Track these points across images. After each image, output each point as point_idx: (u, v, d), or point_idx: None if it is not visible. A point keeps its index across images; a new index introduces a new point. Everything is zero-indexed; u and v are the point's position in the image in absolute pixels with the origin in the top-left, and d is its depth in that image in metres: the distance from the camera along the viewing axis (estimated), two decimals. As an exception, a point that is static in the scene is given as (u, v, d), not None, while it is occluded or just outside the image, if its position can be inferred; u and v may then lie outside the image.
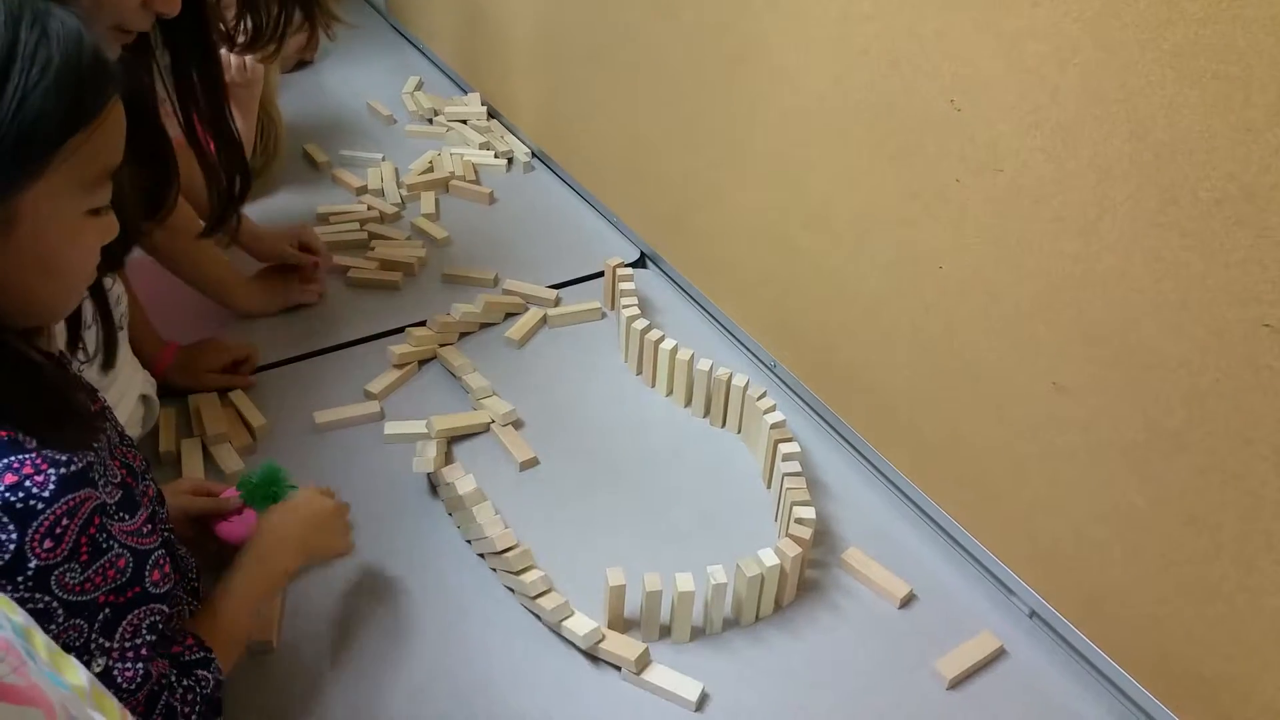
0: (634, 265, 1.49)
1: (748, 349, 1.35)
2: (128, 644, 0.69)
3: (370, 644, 0.96)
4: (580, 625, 0.96)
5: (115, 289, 1.03)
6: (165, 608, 0.71)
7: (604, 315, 1.42)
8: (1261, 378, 0.74)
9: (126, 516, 0.68)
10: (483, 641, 0.97)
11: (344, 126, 1.89)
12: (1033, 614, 1.01)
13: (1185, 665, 0.87)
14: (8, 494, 0.60)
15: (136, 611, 0.69)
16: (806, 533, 1.01)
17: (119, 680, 0.68)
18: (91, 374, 0.82)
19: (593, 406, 1.27)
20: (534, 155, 1.79)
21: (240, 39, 1.07)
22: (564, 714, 0.92)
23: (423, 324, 1.36)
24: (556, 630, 0.97)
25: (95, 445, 0.67)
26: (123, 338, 1.07)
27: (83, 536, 0.63)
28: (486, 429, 1.21)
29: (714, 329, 1.39)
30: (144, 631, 0.70)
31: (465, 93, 2.00)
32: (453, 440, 1.20)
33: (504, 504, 1.10)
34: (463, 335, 1.36)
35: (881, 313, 1.09)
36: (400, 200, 1.65)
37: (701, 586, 0.97)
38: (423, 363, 1.31)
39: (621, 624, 0.98)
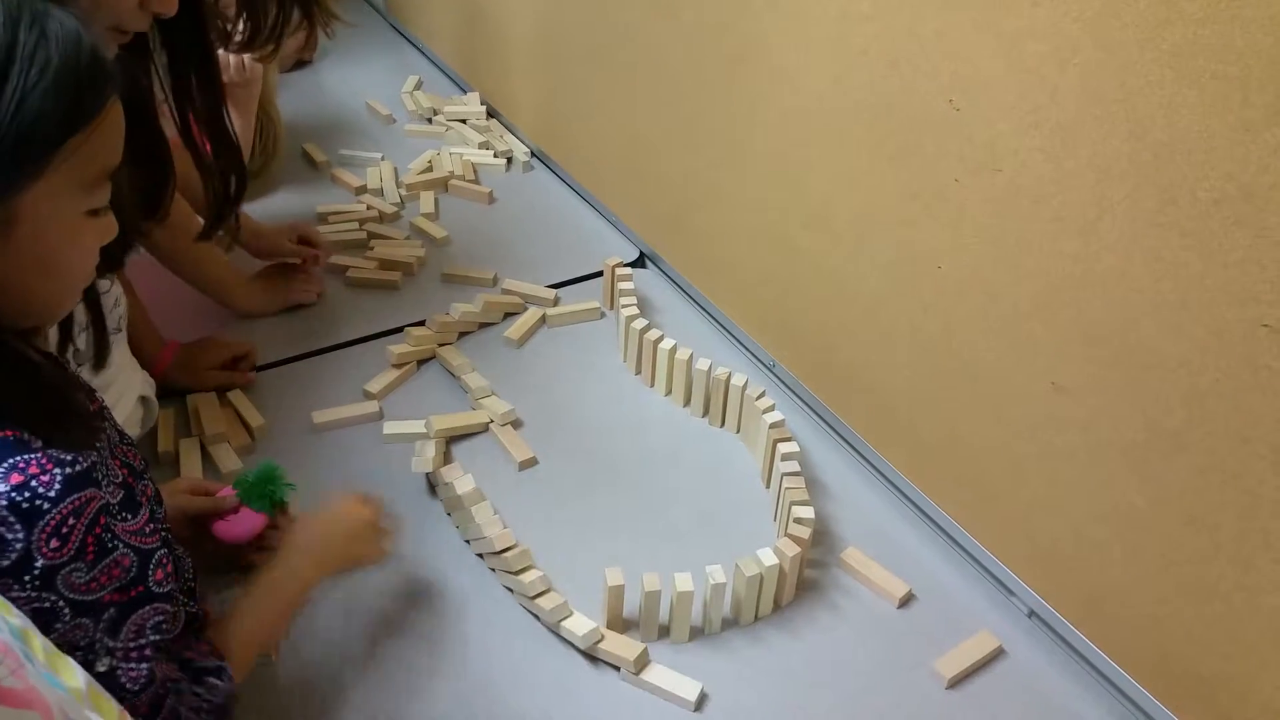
0: (633, 265, 1.49)
1: (747, 349, 1.35)
2: (132, 644, 0.69)
3: (369, 644, 0.96)
4: (579, 625, 0.96)
5: (114, 291, 1.03)
6: (169, 607, 0.71)
7: (603, 315, 1.42)
8: (1260, 378, 0.74)
9: (129, 516, 0.68)
10: (482, 641, 0.97)
11: (343, 126, 1.89)
12: (1032, 614, 1.01)
13: (1184, 664, 0.87)
14: (14, 494, 0.60)
15: (141, 611, 0.69)
16: (805, 532, 1.01)
17: (123, 681, 0.68)
18: (88, 374, 0.82)
19: (592, 406, 1.27)
20: (533, 155, 1.79)
21: (238, 38, 1.07)
22: (563, 714, 0.92)
23: (422, 324, 1.36)
24: (555, 630, 0.98)
25: (97, 445, 0.67)
26: (121, 339, 1.07)
27: (89, 536, 0.64)
28: (485, 429, 1.21)
29: (713, 329, 1.39)
30: (149, 632, 0.70)
31: (464, 92, 1.99)
32: (451, 440, 1.20)
33: (503, 504, 1.10)
34: (462, 335, 1.36)
35: (881, 312, 1.09)
36: (399, 200, 1.65)
37: (700, 586, 0.97)
38: (421, 362, 1.31)
39: (620, 624, 0.98)
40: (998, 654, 0.98)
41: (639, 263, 1.53)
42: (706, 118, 1.28)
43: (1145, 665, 0.91)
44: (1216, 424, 0.78)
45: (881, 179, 1.02)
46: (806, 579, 1.05)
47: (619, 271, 1.39)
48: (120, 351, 1.07)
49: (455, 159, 1.76)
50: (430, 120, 1.90)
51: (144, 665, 0.69)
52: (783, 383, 1.29)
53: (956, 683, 0.95)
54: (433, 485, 1.13)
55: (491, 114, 1.92)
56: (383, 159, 1.76)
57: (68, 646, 0.64)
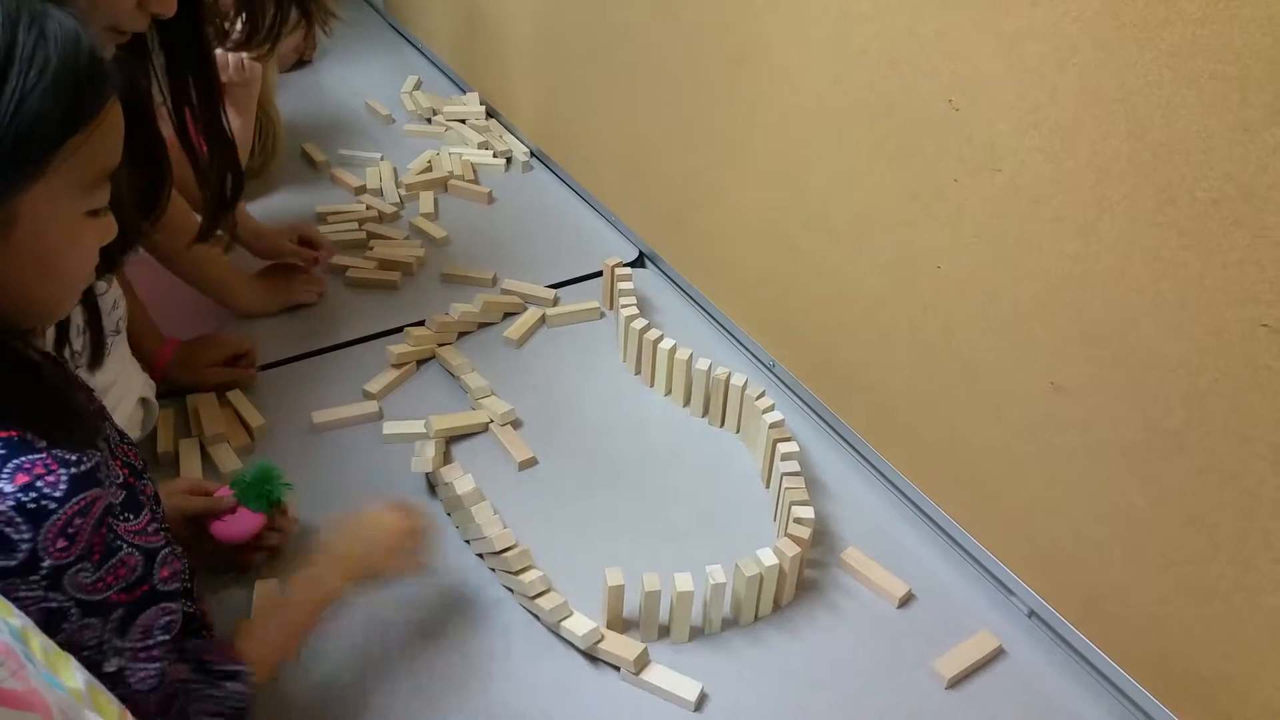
0: (633, 265, 1.49)
1: (746, 348, 1.35)
2: (140, 645, 0.69)
3: (368, 644, 0.96)
4: (579, 625, 0.96)
5: (112, 293, 1.03)
6: (177, 606, 0.71)
7: (603, 315, 1.42)
8: (1260, 377, 0.74)
9: (131, 516, 0.68)
10: (481, 641, 0.97)
11: (342, 126, 1.89)
12: (1031, 614, 1.01)
13: (1184, 664, 0.87)
14: (20, 494, 0.60)
15: (149, 612, 0.69)
16: (805, 532, 1.01)
17: (132, 681, 0.68)
18: (85, 375, 0.82)
19: (591, 406, 1.27)
20: (533, 155, 1.79)
21: (235, 36, 1.07)
22: (563, 714, 0.92)
23: (421, 324, 1.36)
24: (555, 630, 0.98)
25: (99, 445, 0.68)
26: (121, 341, 1.07)
27: (95, 536, 0.64)
28: (485, 429, 1.21)
29: (713, 328, 1.39)
30: (157, 632, 0.70)
31: (464, 92, 1.99)
32: (451, 440, 1.20)
33: (503, 504, 1.10)
34: (461, 335, 1.36)
35: (880, 313, 1.09)
36: (399, 200, 1.65)
37: (700, 586, 0.97)
38: (421, 362, 1.31)
39: (620, 624, 0.98)
40: (997, 654, 0.98)
41: (638, 263, 1.53)
42: (706, 118, 1.28)
43: (1145, 665, 0.91)
44: (1216, 424, 0.78)
45: (881, 179, 1.02)
46: (806, 579, 1.05)
47: (618, 271, 1.39)
48: (120, 353, 1.07)
49: (455, 159, 1.76)
50: (430, 120, 1.90)
51: (153, 665, 0.69)
52: (782, 383, 1.29)
53: (956, 683, 0.95)
54: (432, 485, 1.13)
55: (491, 114, 1.92)
56: (382, 159, 1.76)
57: (75, 647, 0.65)
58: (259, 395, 1.23)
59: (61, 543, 0.62)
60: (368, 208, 1.62)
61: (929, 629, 1.00)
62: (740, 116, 1.21)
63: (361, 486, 1.12)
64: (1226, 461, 0.78)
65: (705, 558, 1.00)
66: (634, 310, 1.31)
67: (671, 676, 0.94)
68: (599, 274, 1.45)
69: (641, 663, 0.95)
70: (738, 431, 1.23)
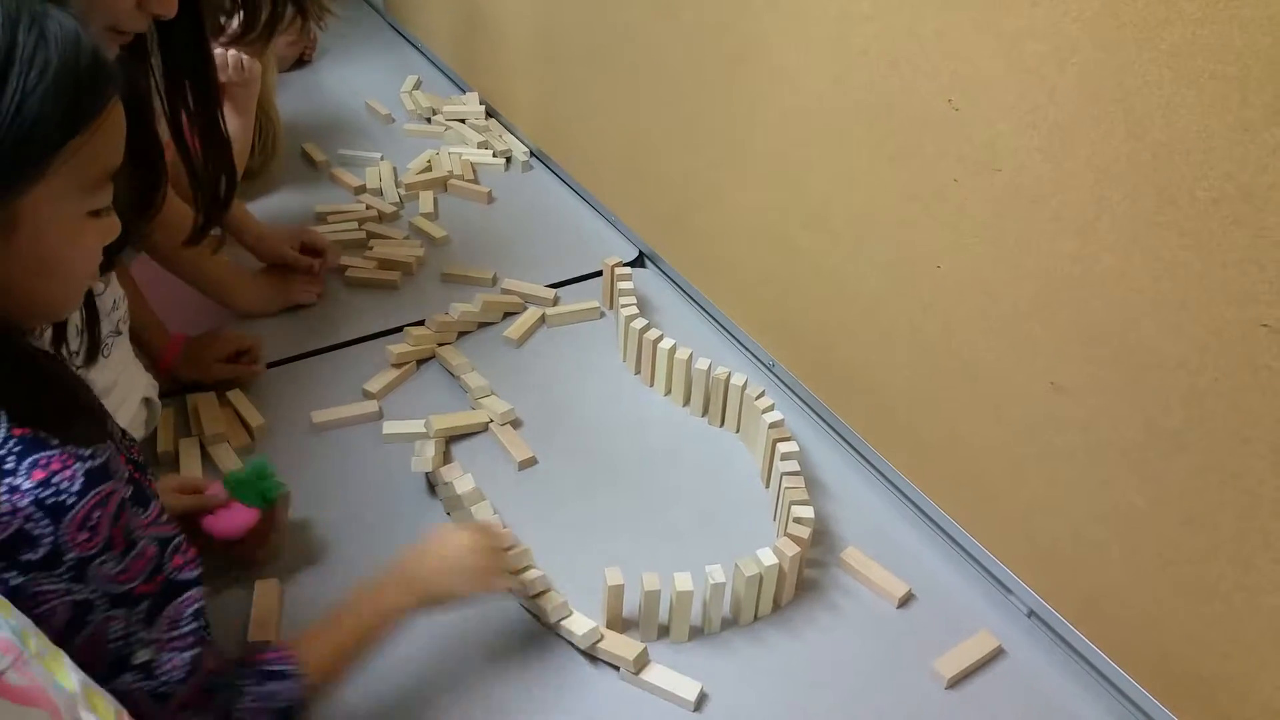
0: (632, 265, 1.49)
1: (746, 348, 1.35)
2: (168, 635, 0.69)
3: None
4: (579, 625, 0.96)
5: (112, 292, 1.03)
6: (201, 593, 0.72)
7: (602, 315, 1.42)
8: (1260, 377, 0.74)
9: (141, 510, 0.69)
10: (481, 641, 0.97)
11: (342, 125, 1.89)
12: (1031, 613, 1.01)
13: (1183, 664, 0.87)
14: (39, 490, 0.61)
15: (175, 603, 0.70)
16: (805, 532, 1.01)
17: (160, 673, 0.69)
18: (86, 376, 0.82)
19: (591, 406, 1.27)
20: (532, 154, 1.79)
21: (231, 31, 1.07)
22: (562, 714, 0.92)
23: (421, 323, 1.36)
24: (555, 630, 0.98)
25: (107, 440, 0.68)
26: (123, 341, 1.07)
27: (116, 527, 0.64)
28: (485, 428, 1.21)
29: (713, 328, 1.39)
30: (186, 621, 0.70)
31: (463, 92, 1.99)
32: (451, 440, 1.20)
33: (502, 503, 1.10)
34: (461, 334, 1.36)
35: (880, 312, 1.09)
36: (399, 199, 1.65)
37: (700, 586, 0.97)
38: (421, 362, 1.31)
39: (620, 624, 0.98)
40: (997, 654, 0.98)
41: (638, 262, 1.53)
42: (706, 117, 1.28)
43: (1144, 665, 0.91)
44: (1216, 424, 0.78)
45: (881, 179, 1.02)
46: (806, 579, 1.05)
47: (618, 271, 1.39)
48: (123, 353, 1.07)
49: (454, 159, 1.76)
50: (429, 120, 1.90)
51: (185, 655, 0.70)
52: (782, 382, 1.29)
53: (956, 682, 0.95)
54: (432, 485, 1.13)
55: (490, 113, 1.92)
56: (382, 159, 1.76)
57: (102, 639, 0.65)
58: (259, 395, 1.23)
59: (83, 535, 0.62)
60: (367, 207, 1.62)
61: (929, 629, 1.00)
62: (740, 116, 1.21)
63: (361, 486, 1.12)
64: (1226, 461, 0.78)
65: (705, 557, 1.00)
66: (634, 310, 1.31)
67: (671, 676, 0.94)
68: (599, 274, 1.45)
69: (641, 662, 0.95)
70: (737, 431, 1.23)
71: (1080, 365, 0.88)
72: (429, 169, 1.73)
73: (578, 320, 1.41)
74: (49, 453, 0.61)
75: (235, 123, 1.45)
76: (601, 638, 0.96)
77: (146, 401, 1.11)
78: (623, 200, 1.58)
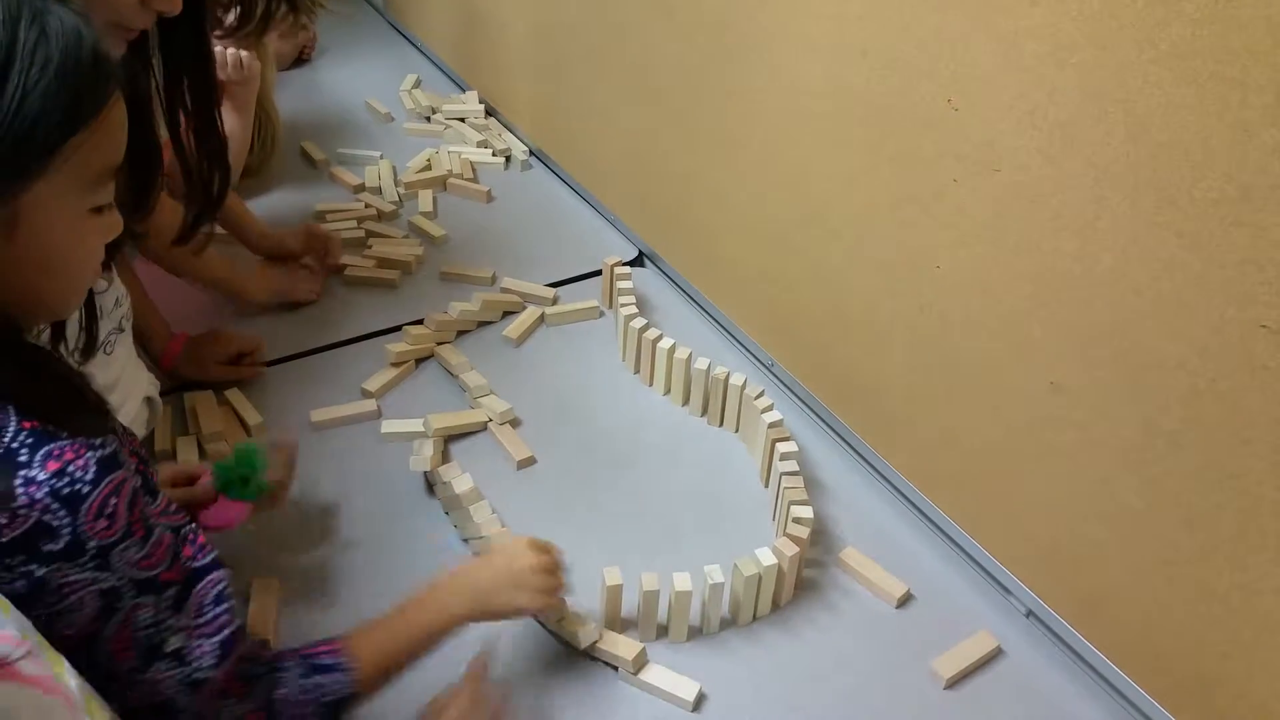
0: (632, 264, 1.49)
1: (745, 348, 1.35)
2: (196, 621, 0.69)
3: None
4: (578, 625, 0.96)
5: (114, 290, 1.03)
6: (222, 574, 0.72)
7: (602, 314, 1.42)
8: (1259, 378, 0.74)
9: (150, 500, 0.69)
10: (480, 641, 0.97)
11: (342, 124, 1.88)
12: (1029, 613, 1.01)
13: (1181, 664, 0.87)
14: (54, 481, 0.61)
15: (198, 588, 0.70)
16: (804, 532, 1.01)
17: (191, 659, 0.68)
18: (87, 371, 0.82)
19: (590, 405, 1.27)
20: (532, 153, 1.79)
21: (227, 24, 1.07)
22: (561, 714, 0.92)
23: (420, 322, 1.35)
24: (554, 630, 0.97)
25: (112, 432, 0.68)
26: (126, 339, 1.07)
27: (132, 514, 0.64)
28: (484, 427, 1.21)
29: (712, 328, 1.39)
30: (209, 605, 0.70)
31: (463, 90, 1.99)
32: (450, 439, 1.20)
33: (501, 503, 1.10)
34: (460, 334, 1.36)
35: (879, 312, 1.09)
36: (398, 198, 1.65)
37: (699, 586, 0.97)
38: (420, 361, 1.31)
39: (619, 624, 0.98)
40: (996, 654, 0.98)
41: (638, 262, 1.53)
42: (706, 117, 1.28)
43: (1143, 665, 0.91)
44: (1214, 424, 0.78)
45: (880, 178, 1.02)
46: (805, 579, 1.05)
47: (618, 270, 1.39)
48: (125, 351, 1.06)
49: (454, 157, 1.76)
50: (429, 119, 1.90)
51: (214, 639, 0.70)
52: (781, 382, 1.29)
53: (954, 682, 0.95)
54: (431, 484, 1.13)
55: (490, 112, 1.92)
56: (381, 157, 1.75)
57: (130, 628, 0.65)
58: (257, 393, 1.23)
59: (102, 523, 0.62)
60: (366, 206, 1.62)
61: (927, 629, 1.00)
62: (740, 115, 1.21)
63: (359, 485, 1.12)
64: (1225, 462, 0.78)
65: (704, 557, 1.00)
66: (633, 309, 1.31)
67: (670, 676, 0.94)
68: (598, 273, 1.45)
69: (640, 662, 0.95)
70: (736, 431, 1.23)
71: (1079, 365, 0.88)
72: (428, 168, 1.73)
73: (577, 319, 1.41)
74: (60, 443, 0.62)
75: (234, 121, 1.45)
76: (600, 637, 0.96)
77: (148, 400, 1.11)
78: (622, 199, 1.58)
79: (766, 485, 1.15)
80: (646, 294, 1.44)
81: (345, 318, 1.39)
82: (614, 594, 0.96)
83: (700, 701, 0.93)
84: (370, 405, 1.23)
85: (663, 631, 0.99)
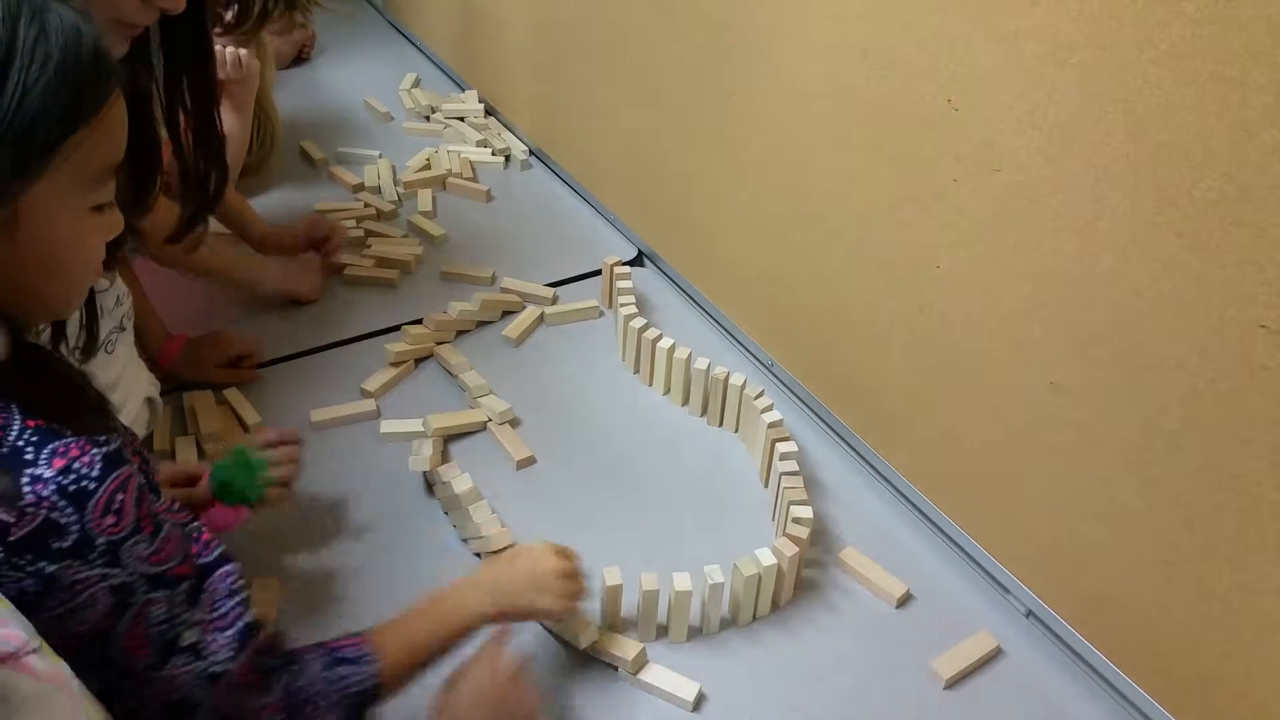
0: (631, 264, 1.49)
1: (745, 348, 1.35)
2: (209, 616, 0.69)
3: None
4: (577, 625, 0.96)
5: (115, 289, 1.03)
6: (233, 567, 0.72)
7: (601, 314, 1.42)
8: (1258, 378, 0.74)
9: (155, 498, 0.69)
10: (479, 642, 0.97)
11: (341, 123, 1.88)
12: (1029, 613, 1.01)
13: (1181, 664, 0.87)
14: (60, 478, 0.60)
15: (210, 582, 0.70)
16: (804, 532, 1.01)
17: (207, 653, 0.68)
18: (88, 369, 0.82)
19: (590, 405, 1.26)
20: (531, 153, 1.79)
21: (225, 21, 1.07)
22: (561, 713, 0.91)
23: (419, 322, 1.35)
24: (553, 630, 0.97)
25: (115, 429, 0.68)
26: (127, 339, 1.07)
27: (140, 508, 0.64)
28: (483, 427, 1.21)
29: (712, 328, 1.39)
30: (221, 599, 0.70)
31: (463, 90, 1.99)
32: (449, 439, 1.19)
33: (500, 503, 1.09)
34: (460, 333, 1.36)
35: (879, 312, 1.09)
36: (397, 197, 1.65)
37: (699, 586, 0.97)
38: (419, 361, 1.31)
39: (618, 624, 0.98)
40: (995, 654, 0.98)
41: (637, 261, 1.53)
42: (705, 117, 1.28)
43: (1142, 665, 0.91)
44: (1214, 424, 0.78)
45: (880, 178, 1.02)
46: (805, 579, 1.05)
47: (617, 270, 1.39)
48: (126, 350, 1.06)
49: (453, 157, 1.75)
50: (428, 118, 1.90)
51: (228, 632, 0.70)
52: (781, 382, 1.29)
53: (954, 683, 0.95)
54: (430, 484, 1.13)
55: (490, 112, 1.92)
56: (380, 156, 1.75)
57: (144, 623, 0.65)
58: (256, 393, 1.23)
59: (110, 519, 0.62)
60: (366, 205, 1.62)
61: (927, 629, 1.00)
62: (740, 115, 1.21)
63: (359, 485, 1.12)
64: (1224, 462, 0.78)
65: (703, 557, 1.00)
66: (633, 309, 1.31)
67: (669, 676, 0.94)
68: (598, 273, 1.45)
69: (639, 663, 0.95)
70: (736, 431, 1.23)
71: (1079, 365, 0.88)
72: (428, 167, 1.73)
73: (577, 319, 1.41)
74: (66, 441, 0.61)
75: (233, 120, 1.45)
76: (600, 638, 0.96)
77: (149, 401, 1.11)
78: (622, 199, 1.57)
79: (766, 485, 1.15)
80: (646, 294, 1.43)
81: (345, 317, 1.39)
82: (614, 594, 0.96)
83: (700, 701, 0.93)
84: (369, 405, 1.22)
85: (662, 631, 0.99)
